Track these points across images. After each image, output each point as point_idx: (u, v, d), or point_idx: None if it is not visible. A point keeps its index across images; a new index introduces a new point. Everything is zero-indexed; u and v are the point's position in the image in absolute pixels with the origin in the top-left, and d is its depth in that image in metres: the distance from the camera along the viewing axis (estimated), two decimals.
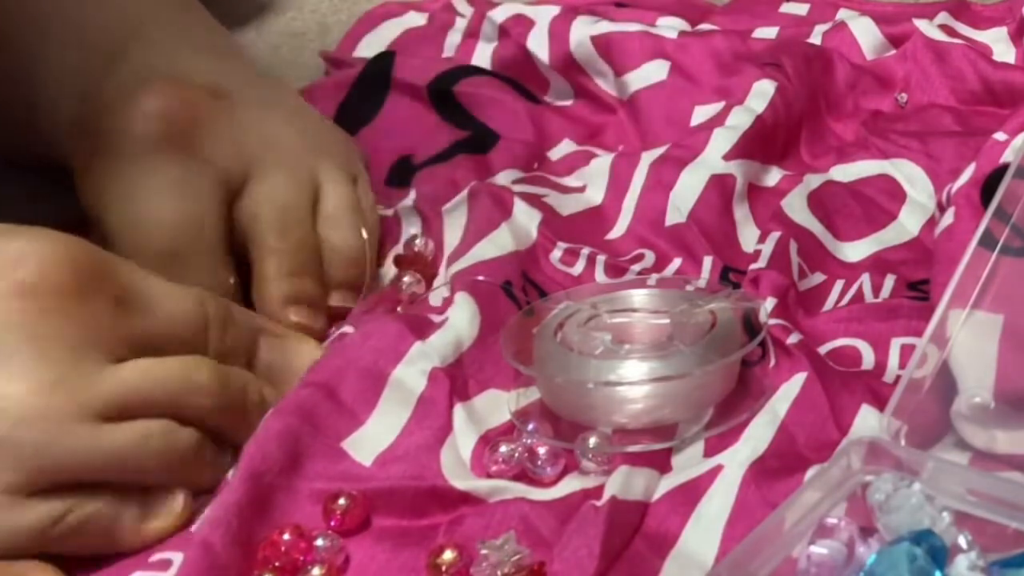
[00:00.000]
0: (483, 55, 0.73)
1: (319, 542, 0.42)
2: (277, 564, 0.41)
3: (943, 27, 0.70)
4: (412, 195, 0.61)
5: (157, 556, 0.43)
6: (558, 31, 0.71)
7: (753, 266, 0.53)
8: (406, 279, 0.54)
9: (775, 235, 0.55)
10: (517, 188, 0.60)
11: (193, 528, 0.44)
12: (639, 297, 0.50)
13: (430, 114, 0.68)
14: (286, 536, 0.42)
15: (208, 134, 0.53)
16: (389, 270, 0.57)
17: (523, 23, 0.73)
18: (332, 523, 0.43)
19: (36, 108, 0.57)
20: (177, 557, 0.43)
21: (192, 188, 0.52)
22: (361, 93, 0.69)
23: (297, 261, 0.52)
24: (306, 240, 0.53)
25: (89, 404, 0.42)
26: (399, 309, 0.54)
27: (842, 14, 0.75)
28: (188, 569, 0.40)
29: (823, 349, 0.50)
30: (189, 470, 0.44)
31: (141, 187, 0.51)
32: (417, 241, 0.56)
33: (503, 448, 0.45)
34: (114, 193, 0.52)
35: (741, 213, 0.59)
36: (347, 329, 0.51)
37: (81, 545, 0.42)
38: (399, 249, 0.57)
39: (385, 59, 0.71)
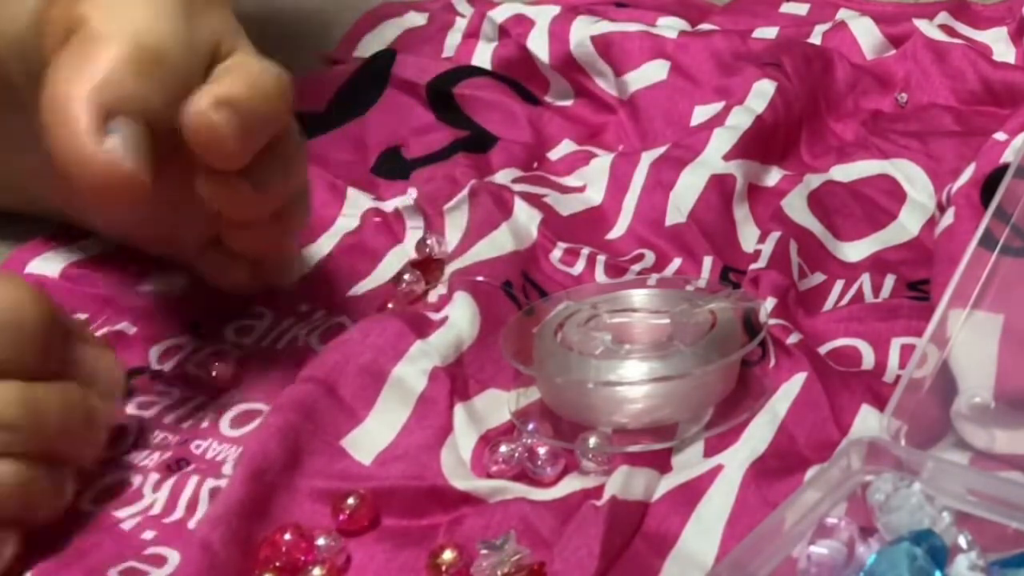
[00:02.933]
0: (483, 55, 0.73)
1: (320, 541, 0.42)
2: (278, 564, 0.41)
3: (943, 27, 0.70)
4: (412, 193, 0.61)
5: (152, 550, 0.43)
6: (558, 31, 0.71)
7: (753, 266, 0.53)
8: (407, 276, 0.54)
9: (775, 235, 0.55)
10: (517, 187, 0.60)
11: (190, 524, 0.44)
12: (639, 297, 0.50)
13: (427, 113, 0.68)
14: (287, 536, 0.42)
15: (211, 5, 0.48)
16: (389, 266, 0.57)
17: (523, 23, 0.73)
18: (340, 519, 0.43)
19: None
20: (172, 554, 0.43)
21: (188, 17, 0.47)
22: (359, 85, 0.70)
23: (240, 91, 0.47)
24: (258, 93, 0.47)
25: None
26: (390, 305, 0.53)
27: (842, 14, 0.75)
28: (187, 569, 0.40)
29: (823, 349, 0.50)
30: (17, 506, 0.41)
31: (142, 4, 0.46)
32: (429, 242, 0.56)
33: (503, 448, 0.45)
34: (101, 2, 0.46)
35: (741, 213, 0.59)
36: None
37: None
38: (409, 251, 0.57)
39: (386, 56, 0.71)
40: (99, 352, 0.46)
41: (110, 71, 0.44)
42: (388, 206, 0.60)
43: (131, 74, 0.44)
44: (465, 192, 0.58)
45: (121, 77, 0.44)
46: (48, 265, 0.58)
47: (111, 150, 0.43)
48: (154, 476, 0.46)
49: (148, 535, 0.44)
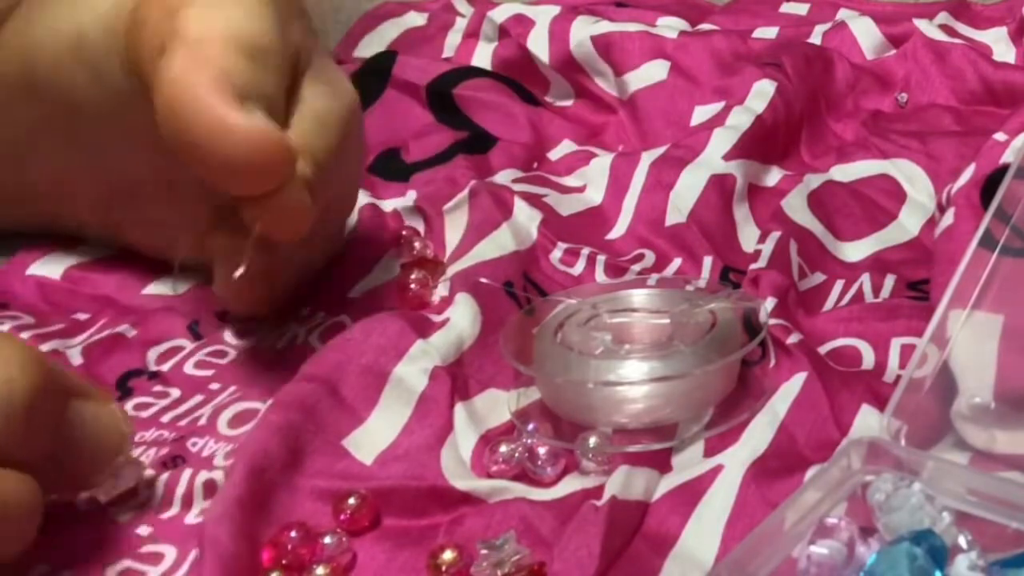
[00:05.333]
0: (483, 55, 0.73)
1: (327, 540, 0.42)
2: (284, 562, 0.41)
3: (943, 27, 0.70)
4: (412, 195, 0.61)
5: (149, 548, 0.43)
6: (558, 31, 0.71)
7: (753, 266, 0.53)
8: (414, 275, 0.54)
9: (775, 235, 0.55)
10: (517, 187, 0.60)
11: (186, 519, 0.44)
12: (639, 297, 0.50)
13: (427, 114, 0.68)
14: (293, 534, 0.42)
15: (294, 12, 0.50)
16: (388, 266, 0.57)
17: (523, 23, 0.73)
18: (341, 518, 0.43)
19: None
20: (169, 550, 0.42)
21: (280, 21, 0.48)
22: (359, 84, 0.70)
23: (319, 151, 0.47)
24: (334, 146, 0.48)
25: None
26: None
27: (842, 14, 0.75)
28: (204, 565, 0.40)
29: (823, 349, 0.50)
30: None
31: (233, 4, 0.47)
32: (416, 244, 0.56)
33: (503, 448, 0.45)
34: (205, 4, 0.47)
35: (741, 213, 0.59)
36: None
37: None
38: (404, 252, 0.57)
39: (387, 57, 0.71)
40: (100, 409, 0.43)
41: (229, 61, 0.44)
42: (387, 205, 0.60)
43: (245, 65, 0.44)
44: (465, 193, 0.58)
45: (241, 66, 0.44)
46: (50, 267, 0.58)
47: (259, 121, 0.43)
48: (149, 472, 0.46)
49: (144, 531, 0.44)
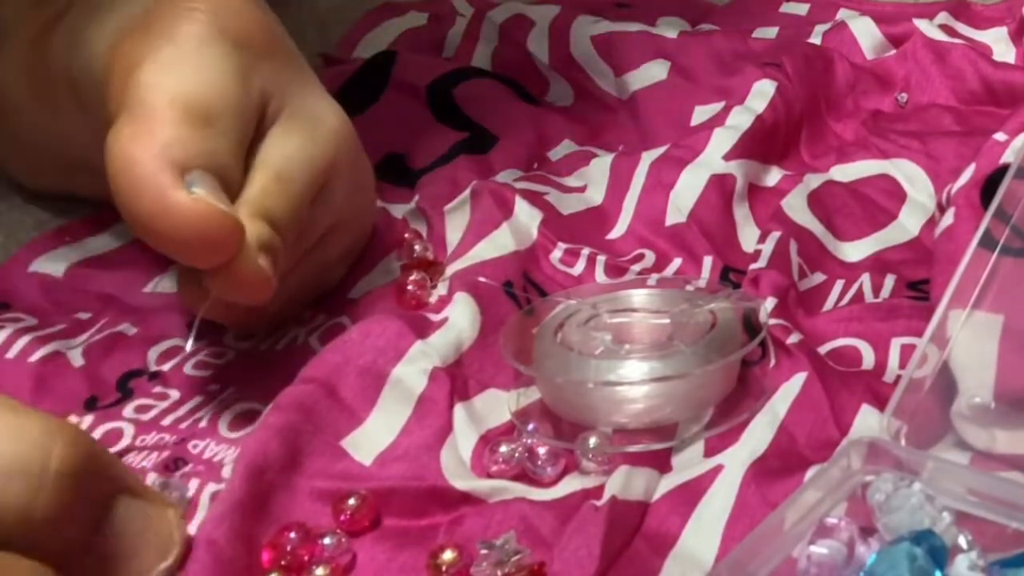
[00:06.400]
0: (483, 55, 0.73)
1: (327, 540, 0.42)
2: (283, 563, 0.41)
3: (943, 27, 0.70)
4: (416, 198, 0.61)
5: None
6: (558, 31, 0.71)
7: (753, 266, 0.53)
8: (414, 277, 0.54)
9: (775, 235, 0.55)
10: (519, 185, 0.60)
11: (190, 529, 0.44)
12: (639, 297, 0.50)
13: (427, 115, 0.68)
14: (292, 535, 0.42)
15: (264, 56, 0.49)
16: (388, 267, 0.57)
17: (523, 23, 0.73)
18: (341, 519, 0.43)
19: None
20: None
21: (239, 75, 0.47)
22: (359, 84, 0.70)
23: (280, 211, 0.47)
24: (298, 199, 0.48)
25: None
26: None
27: (842, 14, 0.75)
28: (194, 566, 0.40)
29: (823, 349, 0.50)
30: None
31: (187, 57, 0.47)
32: (417, 246, 0.56)
33: (503, 448, 0.45)
34: (159, 62, 0.47)
35: (741, 213, 0.59)
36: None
37: None
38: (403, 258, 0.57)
39: (387, 57, 0.71)
40: (151, 511, 0.40)
41: (171, 133, 0.44)
42: (397, 211, 0.60)
43: (191, 133, 0.44)
44: (467, 193, 0.58)
45: (183, 136, 0.44)
46: (53, 264, 0.58)
47: (199, 198, 0.43)
48: (152, 476, 0.46)
49: None
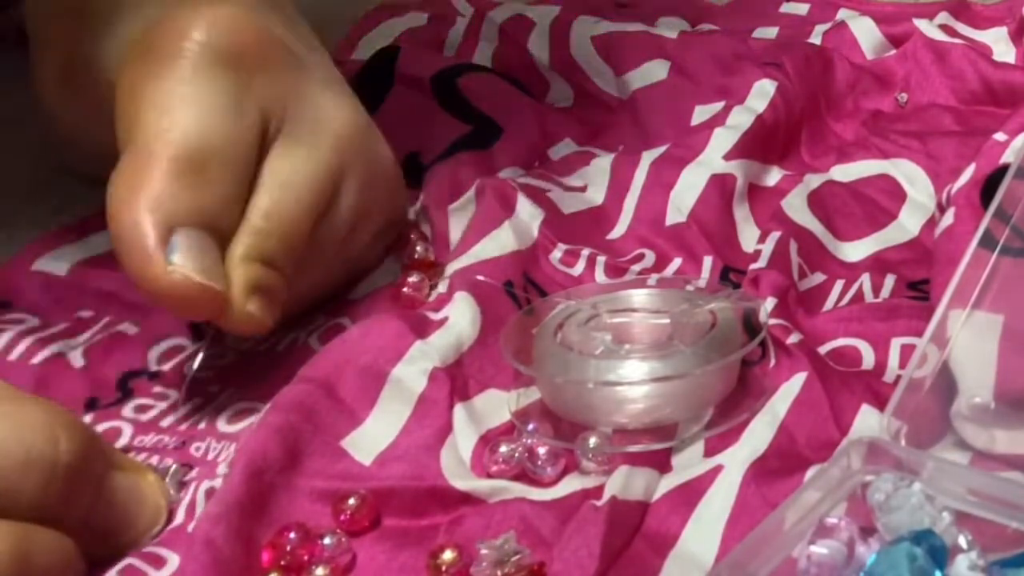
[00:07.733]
0: (483, 56, 0.73)
1: (327, 540, 0.42)
2: (283, 563, 0.41)
3: (943, 27, 0.70)
4: (420, 198, 0.61)
5: (149, 550, 0.43)
6: (558, 31, 0.71)
7: (753, 266, 0.53)
8: (412, 278, 0.54)
9: (775, 235, 0.55)
10: (521, 181, 0.59)
11: (189, 528, 0.44)
12: (639, 297, 0.50)
13: (433, 107, 0.68)
14: (292, 535, 0.42)
15: (260, 69, 0.50)
16: (388, 268, 0.57)
17: (523, 23, 0.73)
18: (341, 519, 0.43)
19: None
20: (172, 556, 0.42)
21: (234, 106, 0.48)
22: (364, 84, 0.69)
23: (273, 249, 0.48)
24: (294, 231, 0.49)
25: None
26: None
27: (842, 14, 0.75)
28: (192, 565, 0.40)
29: (823, 349, 0.50)
30: None
31: (183, 95, 0.48)
32: (418, 247, 0.56)
33: (503, 448, 0.45)
34: (156, 106, 0.48)
35: (741, 213, 0.59)
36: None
37: None
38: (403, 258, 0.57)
39: (390, 53, 0.71)
40: (138, 480, 0.44)
41: (162, 186, 0.46)
42: (410, 213, 0.60)
43: (182, 185, 0.46)
44: (471, 192, 0.58)
45: (173, 190, 0.46)
46: (56, 263, 0.58)
47: (176, 268, 0.45)
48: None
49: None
